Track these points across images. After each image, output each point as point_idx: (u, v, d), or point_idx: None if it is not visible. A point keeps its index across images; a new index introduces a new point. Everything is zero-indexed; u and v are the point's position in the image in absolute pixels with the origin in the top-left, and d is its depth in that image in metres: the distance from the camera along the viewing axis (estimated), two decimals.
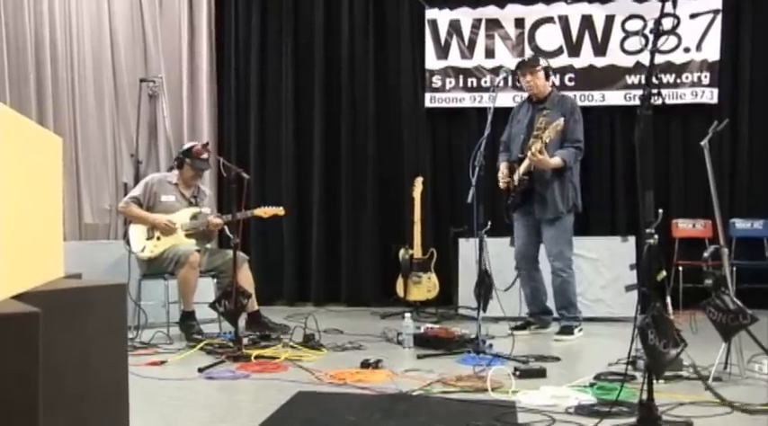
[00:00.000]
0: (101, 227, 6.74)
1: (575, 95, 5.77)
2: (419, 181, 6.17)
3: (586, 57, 6.46)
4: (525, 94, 5.15)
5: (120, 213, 5.71)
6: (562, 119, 4.67)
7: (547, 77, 4.96)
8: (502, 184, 4.97)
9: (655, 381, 2.64)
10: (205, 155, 5.06)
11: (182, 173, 5.14)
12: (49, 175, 2.19)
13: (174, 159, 5.40)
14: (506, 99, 6.26)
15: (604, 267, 5.73)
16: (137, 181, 6.38)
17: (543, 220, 4.89)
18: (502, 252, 5.45)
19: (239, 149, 6.94)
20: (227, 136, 7.02)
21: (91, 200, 6.75)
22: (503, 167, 5.00)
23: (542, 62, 4.99)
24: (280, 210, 5.15)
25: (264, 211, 5.11)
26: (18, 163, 1.79)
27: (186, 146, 5.25)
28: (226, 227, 4.91)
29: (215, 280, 5.06)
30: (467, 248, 5.84)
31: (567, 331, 4.85)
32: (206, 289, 5.11)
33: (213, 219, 5.03)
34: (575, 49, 6.48)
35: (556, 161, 4.76)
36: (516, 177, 4.88)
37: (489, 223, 4.36)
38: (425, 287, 6.01)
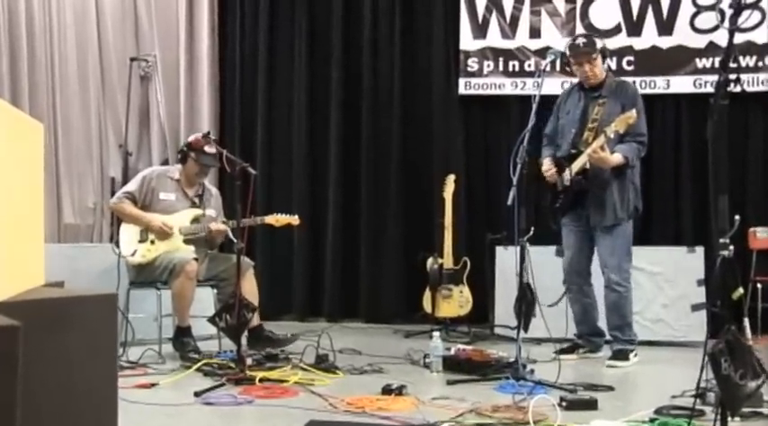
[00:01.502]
0: (83, 228, 6.79)
1: (634, 82, 5.73)
2: (450, 180, 6.16)
3: (649, 37, 6.41)
4: (574, 80, 5.12)
5: (111, 210, 5.77)
6: (634, 111, 4.62)
7: (603, 60, 4.94)
8: (549, 178, 4.95)
9: (729, 418, 2.61)
10: (212, 149, 5.04)
11: (185, 169, 5.16)
12: (29, 168, 2.21)
13: (177, 152, 5.43)
14: (554, 85, 6.22)
15: (667, 282, 5.68)
16: (125, 175, 6.45)
17: (599, 227, 4.86)
18: (546, 263, 5.42)
19: (244, 143, 6.99)
20: (229, 126, 7.09)
21: (72, 197, 6.78)
22: (547, 162, 4.99)
23: (598, 42, 4.96)
24: (294, 219, 5.16)
25: (276, 219, 5.12)
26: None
27: (191, 138, 5.25)
28: (230, 232, 4.94)
29: (215, 290, 5.11)
30: (505, 257, 5.82)
31: (621, 355, 4.82)
32: (204, 300, 5.15)
33: (215, 226, 5.04)
34: (635, 28, 6.44)
35: (617, 158, 4.73)
36: (567, 176, 4.85)
37: (532, 229, 4.33)
38: (457, 302, 5.99)
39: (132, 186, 5.12)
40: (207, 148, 5.05)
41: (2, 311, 1.68)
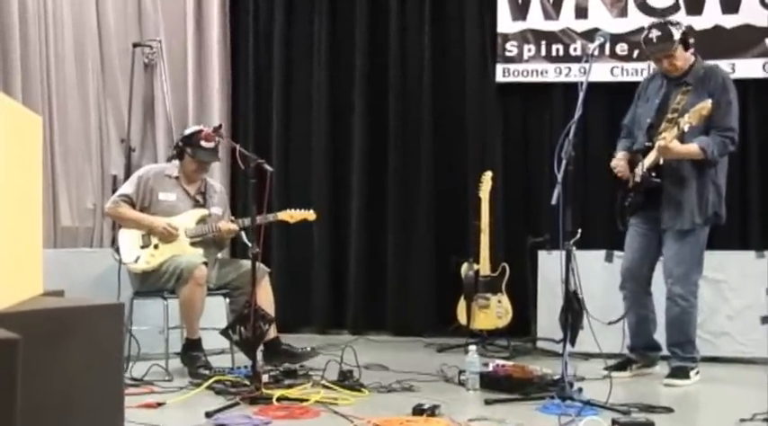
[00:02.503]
0: (81, 232, 6.80)
1: None
2: (487, 177, 6.16)
3: (711, 16, 6.35)
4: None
5: (106, 215, 5.81)
6: (710, 101, 4.57)
7: (686, 46, 4.81)
8: (619, 173, 4.93)
9: None
10: (210, 143, 5.08)
11: (182, 166, 5.21)
12: (27, 166, 2.24)
13: (172, 147, 5.47)
14: (603, 71, 6.21)
15: (732, 291, 5.64)
16: (128, 173, 6.45)
17: (670, 231, 4.82)
18: (595, 270, 5.41)
19: (258, 136, 7.04)
20: (242, 119, 7.14)
21: (70, 198, 6.75)
22: (619, 156, 4.96)
23: (676, 32, 4.80)
24: (310, 214, 5.20)
25: (290, 215, 5.16)
26: None
27: (188, 131, 5.30)
28: (243, 233, 4.97)
29: (227, 300, 5.13)
30: (549, 263, 5.80)
31: (681, 373, 4.79)
32: (215, 311, 5.16)
33: (225, 225, 5.10)
34: (696, 5, 6.38)
35: (691, 148, 4.65)
36: (639, 172, 4.81)
37: (579, 231, 4.30)
38: (494, 312, 5.99)
39: (128, 188, 5.15)
40: (203, 143, 5.08)
41: (0, 323, 1.71)
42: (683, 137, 4.62)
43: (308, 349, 5.12)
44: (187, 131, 5.30)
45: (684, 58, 4.84)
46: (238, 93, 7.18)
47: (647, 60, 5.77)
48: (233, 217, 5.26)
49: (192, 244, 5.08)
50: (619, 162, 4.93)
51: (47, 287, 2.40)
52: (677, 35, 4.78)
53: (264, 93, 7.10)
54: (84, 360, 1.94)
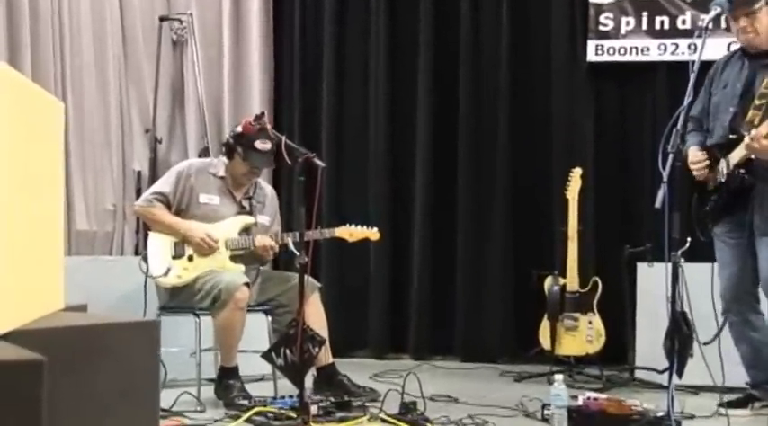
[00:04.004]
0: (100, 237, 6.84)
1: None
2: (577, 175, 6.12)
3: None
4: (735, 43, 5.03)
5: (136, 214, 5.85)
6: None
7: None
8: (697, 173, 4.88)
9: None
10: (266, 145, 4.97)
11: (231, 166, 5.18)
12: (48, 162, 2.28)
13: (221, 144, 5.43)
14: (718, 48, 6.13)
15: None
16: (153, 169, 6.54)
17: (765, 237, 4.77)
18: (706, 285, 5.33)
19: (305, 130, 7.07)
20: (287, 108, 7.19)
21: (86, 198, 6.76)
22: (693, 151, 4.91)
23: None
24: (373, 233, 5.18)
25: (350, 232, 5.14)
26: (14, 143, 1.87)
27: (239, 127, 5.17)
28: (289, 242, 4.92)
29: (269, 318, 5.15)
30: (650, 277, 5.73)
31: None
32: (255, 329, 5.15)
33: (260, 239, 5.02)
34: None
35: None
36: (723, 170, 4.77)
37: (689, 240, 4.29)
38: (584, 335, 5.96)
39: (165, 185, 5.14)
40: (259, 144, 5.00)
41: (20, 341, 1.74)
42: None
43: (368, 389, 5.08)
44: (239, 127, 5.18)
45: None
46: (282, 76, 7.24)
47: (730, 31, 5.70)
48: (276, 231, 5.20)
49: (233, 258, 5.07)
50: (699, 159, 4.86)
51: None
52: None
53: (312, 75, 7.15)
54: (115, 386, 1.97)
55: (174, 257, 5.04)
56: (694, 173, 4.87)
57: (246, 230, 5.14)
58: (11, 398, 1.51)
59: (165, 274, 4.99)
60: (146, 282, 5.08)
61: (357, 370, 5.60)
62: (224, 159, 5.20)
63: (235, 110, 6.95)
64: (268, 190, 5.45)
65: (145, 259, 5.09)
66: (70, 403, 1.83)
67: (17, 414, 1.52)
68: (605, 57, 6.66)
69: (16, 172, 1.89)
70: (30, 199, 2.05)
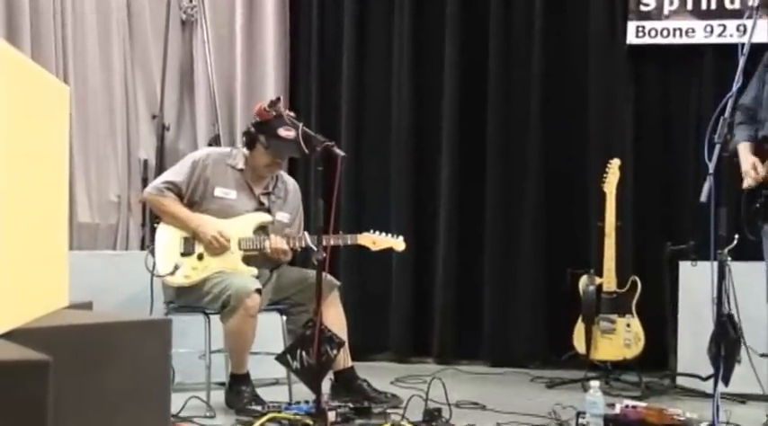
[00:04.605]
0: (103, 230, 6.86)
1: None
2: (615, 167, 6.11)
3: None
4: None
5: (143, 202, 5.87)
6: None
7: None
8: (749, 181, 4.85)
9: None
10: (290, 133, 4.87)
11: (251, 157, 5.13)
12: (53, 150, 2.29)
13: (242, 133, 5.32)
14: None
15: None
16: (160, 157, 6.54)
17: None
18: (756, 286, 5.32)
19: (323, 119, 7.06)
20: (303, 95, 7.19)
21: (88, 188, 6.78)
22: (743, 149, 4.89)
23: None
24: (398, 243, 5.13)
25: (373, 240, 5.09)
26: (14, 127, 1.88)
27: (256, 114, 5.10)
28: (306, 236, 4.88)
29: (284, 318, 5.15)
30: (694, 277, 5.73)
31: None
32: (269, 330, 5.15)
33: (273, 241, 4.96)
34: None
35: None
36: None
37: (736, 237, 4.30)
38: (622, 339, 5.95)
39: (178, 174, 5.10)
40: (282, 132, 4.91)
41: (24, 340, 1.75)
42: None
43: (390, 395, 5.08)
44: (258, 118, 5.08)
45: None
46: (299, 59, 7.24)
47: None
48: (289, 231, 5.13)
49: (246, 259, 5.02)
50: (749, 161, 4.82)
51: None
52: None
53: (331, 59, 7.16)
54: (123, 388, 1.98)
55: (182, 254, 5.00)
56: (745, 183, 4.86)
57: (263, 228, 5.08)
58: (15, 399, 1.52)
59: (173, 273, 4.94)
60: (152, 278, 5.01)
61: (377, 375, 5.60)
62: (244, 150, 5.14)
63: (248, 95, 6.95)
64: (290, 183, 5.38)
65: (152, 253, 5.04)
66: (76, 405, 1.84)
67: (21, 416, 1.53)
68: (646, 40, 6.64)
69: (16, 158, 1.90)
70: (32, 189, 2.06)
